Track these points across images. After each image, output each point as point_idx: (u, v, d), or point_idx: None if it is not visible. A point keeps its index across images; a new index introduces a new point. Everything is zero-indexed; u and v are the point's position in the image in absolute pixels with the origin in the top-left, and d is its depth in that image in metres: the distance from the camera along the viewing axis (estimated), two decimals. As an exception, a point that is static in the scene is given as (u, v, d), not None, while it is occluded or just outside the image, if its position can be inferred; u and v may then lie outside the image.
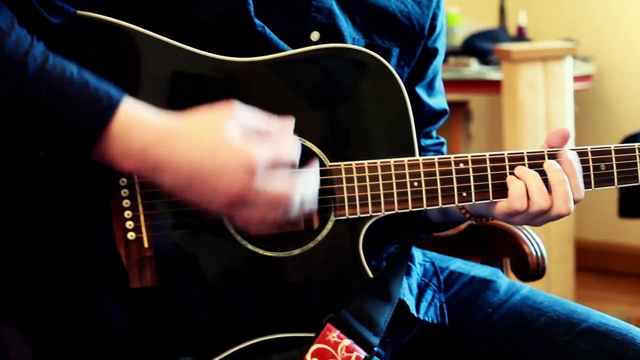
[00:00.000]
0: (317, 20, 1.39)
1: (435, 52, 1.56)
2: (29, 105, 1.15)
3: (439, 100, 1.62)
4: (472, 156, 1.35)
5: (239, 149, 1.16)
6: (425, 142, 1.62)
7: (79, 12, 1.25)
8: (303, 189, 1.21)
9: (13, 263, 1.23)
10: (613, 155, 1.42)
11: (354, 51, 1.35)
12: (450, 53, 3.83)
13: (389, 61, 1.45)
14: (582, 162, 1.40)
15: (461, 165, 1.35)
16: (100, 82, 1.18)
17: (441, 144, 1.66)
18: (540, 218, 1.38)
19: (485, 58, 3.81)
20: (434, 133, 1.65)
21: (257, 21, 1.33)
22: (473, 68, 3.76)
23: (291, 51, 1.34)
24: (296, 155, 1.21)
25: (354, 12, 1.43)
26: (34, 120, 1.15)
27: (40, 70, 1.15)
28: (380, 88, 1.35)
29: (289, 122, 1.23)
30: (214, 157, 1.16)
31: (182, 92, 1.29)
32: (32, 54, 1.15)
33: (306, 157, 1.29)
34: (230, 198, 1.17)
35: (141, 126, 1.17)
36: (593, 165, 1.41)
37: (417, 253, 1.61)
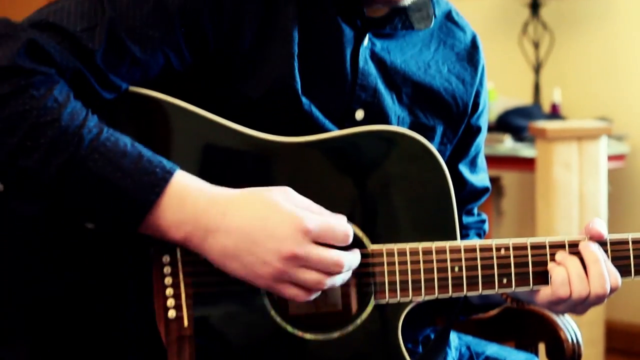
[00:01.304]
0: (362, 99, 1.40)
1: (478, 129, 1.58)
2: (83, 175, 1.18)
3: (481, 178, 1.62)
4: (513, 242, 1.35)
5: (291, 213, 1.20)
6: (467, 219, 1.62)
7: (130, 87, 1.28)
8: (350, 261, 1.22)
9: (53, 334, 1.24)
10: None
11: (397, 134, 1.35)
12: (484, 128, 3.83)
13: (432, 139, 1.47)
14: (622, 250, 1.39)
15: (502, 252, 1.35)
16: (153, 155, 1.21)
17: (483, 221, 1.66)
18: (581, 305, 1.37)
19: (519, 135, 3.81)
20: (475, 210, 1.65)
21: (304, 99, 1.35)
22: (507, 144, 3.76)
23: (335, 133, 1.35)
24: (349, 230, 1.23)
25: (400, 90, 1.45)
26: (89, 190, 1.19)
27: (94, 142, 1.18)
28: (423, 170, 1.36)
29: (342, 216, 1.26)
30: (265, 223, 1.20)
31: (228, 171, 1.31)
32: (87, 127, 1.19)
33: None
34: (280, 263, 1.19)
35: (195, 194, 1.20)
36: (634, 254, 1.40)
37: (453, 336, 1.60)
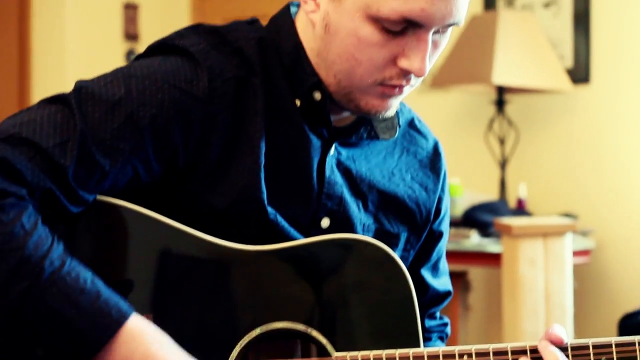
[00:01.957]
0: (327, 208, 1.42)
1: (440, 234, 1.60)
2: (39, 307, 1.18)
3: (443, 282, 1.64)
4: (475, 349, 1.36)
5: None
6: (429, 323, 1.63)
7: (97, 197, 1.29)
8: None
9: None
10: (614, 349, 1.43)
11: (360, 242, 1.38)
12: (451, 224, 3.85)
13: (396, 245, 1.49)
14: (583, 355, 1.41)
15: (465, 358, 1.36)
16: (111, 294, 1.22)
17: (445, 324, 1.67)
18: None
19: (485, 230, 3.84)
20: (437, 314, 1.67)
21: (269, 209, 1.36)
22: (473, 240, 3.79)
23: (298, 241, 1.37)
24: None
25: (366, 198, 1.47)
26: (43, 322, 1.19)
27: (55, 274, 1.19)
28: (386, 277, 1.38)
29: None
30: None
31: (188, 279, 1.32)
32: (50, 258, 1.20)
33: (309, 348, 1.30)
34: None
35: (146, 341, 1.22)
36: (594, 359, 1.42)
37: None
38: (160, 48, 1.39)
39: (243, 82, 1.37)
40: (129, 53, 5.28)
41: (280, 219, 1.37)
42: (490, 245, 3.72)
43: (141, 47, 5.32)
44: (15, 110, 5.13)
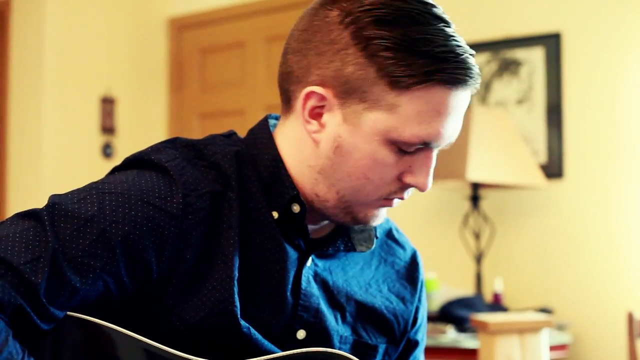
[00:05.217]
0: (303, 319, 1.41)
1: (416, 343, 1.59)
2: None
3: None
4: None
5: None
6: None
7: (68, 313, 1.28)
8: None
9: None
10: None
11: (335, 356, 1.36)
12: (428, 319, 3.86)
13: (374, 357, 1.47)
14: None
15: None
16: None
17: None
18: None
19: (461, 325, 3.83)
20: None
21: (242, 322, 1.35)
22: (450, 335, 3.78)
23: (274, 355, 1.35)
24: None
25: (344, 309, 1.47)
26: None
27: None
28: None
29: None
30: None
31: None
32: None
33: None
34: None
35: None
36: None
37: None
38: (136, 162, 1.40)
39: (219, 196, 1.37)
40: (106, 146, 5.30)
41: (254, 332, 1.36)
42: (467, 341, 3.71)
43: (118, 140, 5.35)
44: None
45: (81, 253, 1.26)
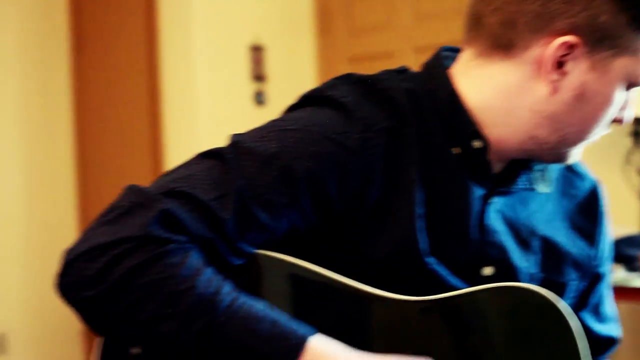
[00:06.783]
0: (490, 256, 1.39)
1: (600, 276, 1.55)
2: (220, 341, 1.21)
3: (607, 327, 1.58)
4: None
5: None
6: None
7: (256, 251, 1.29)
8: None
9: None
10: None
11: (527, 291, 1.31)
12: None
13: (564, 295, 1.44)
14: None
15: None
16: (288, 320, 1.23)
17: None
18: None
19: (630, 264, 3.74)
20: None
21: (428, 259, 1.34)
22: (619, 274, 3.69)
23: (463, 291, 1.32)
24: None
25: (529, 246, 1.44)
26: (226, 355, 1.21)
27: (228, 309, 1.21)
28: (551, 329, 1.31)
29: None
30: None
31: (352, 331, 1.30)
32: (222, 294, 1.22)
33: None
34: None
35: (330, 356, 1.22)
36: None
37: None
38: (312, 99, 1.40)
39: (396, 132, 1.35)
40: (257, 94, 5.35)
41: (439, 268, 1.35)
42: (636, 280, 3.61)
43: (269, 87, 5.39)
44: (147, 148, 5.30)
45: (266, 190, 1.28)
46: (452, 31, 4.76)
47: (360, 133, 1.32)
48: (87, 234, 1.26)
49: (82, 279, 1.22)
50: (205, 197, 1.25)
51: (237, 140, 1.32)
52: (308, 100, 1.40)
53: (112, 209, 1.27)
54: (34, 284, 5.42)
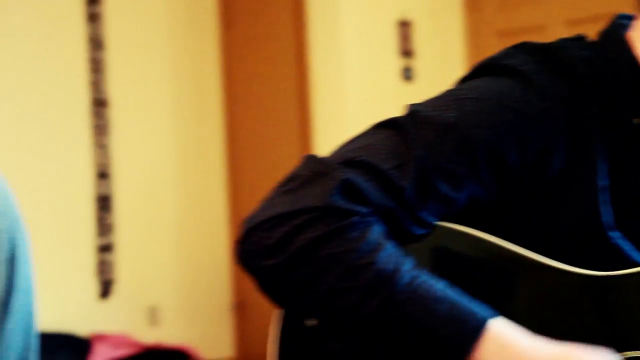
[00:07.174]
0: None
1: None
2: (395, 319, 1.19)
3: None
4: None
5: None
6: None
7: (437, 222, 1.28)
8: None
9: None
10: None
11: None
12: None
13: None
14: None
15: None
16: (468, 301, 1.20)
17: None
18: None
19: None
20: None
21: (612, 232, 1.29)
22: None
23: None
24: None
25: None
26: (401, 332, 1.19)
27: (408, 286, 1.19)
28: None
29: None
30: None
31: (539, 305, 1.27)
32: (401, 271, 1.19)
33: None
34: None
35: (511, 348, 1.18)
36: None
37: None
38: (487, 68, 1.36)
39: (575, 101, 1.31)
40: (405, 69, 5.32)
41: (623, 242, 1.30)
42: None
43: (417, 63, 5.35)
44: (296, 126, 5.36)
45: (445, 159, 1.25)
46: (604, 3, 4.64)
47: (540, 102, 1.28)
48: (266, 203, 1.26)
49: (262, 248, 1.23)
50: (384, 166, 1.23)
51: (415, 110, 1.30)
52: (484, 70, 1.36)
53: (291, 178, 1.26)
54: (186, 261, 5.56)
